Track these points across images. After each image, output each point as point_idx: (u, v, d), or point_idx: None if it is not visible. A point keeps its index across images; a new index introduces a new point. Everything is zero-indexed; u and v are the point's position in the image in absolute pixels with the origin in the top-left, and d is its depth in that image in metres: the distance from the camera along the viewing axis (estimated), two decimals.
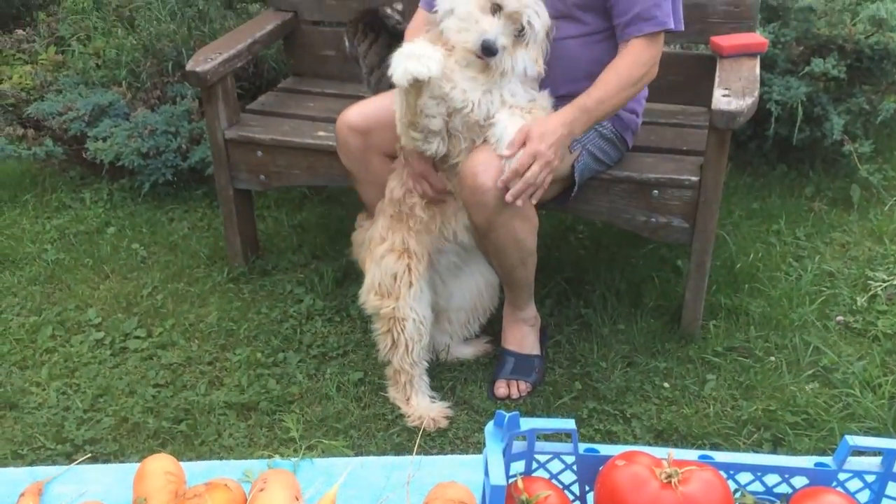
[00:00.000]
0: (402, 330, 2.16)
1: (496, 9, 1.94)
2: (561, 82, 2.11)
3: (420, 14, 2.23)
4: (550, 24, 2.01)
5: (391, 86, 2.51)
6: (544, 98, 2.06)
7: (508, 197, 1.94)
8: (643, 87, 2.20)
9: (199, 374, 2.37)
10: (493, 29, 1.92)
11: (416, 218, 2.15)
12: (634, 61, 2.08)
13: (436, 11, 2.03)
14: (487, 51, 1.91)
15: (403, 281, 2.15)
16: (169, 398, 2.27)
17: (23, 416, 2.23)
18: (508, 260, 2.15)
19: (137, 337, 2.51)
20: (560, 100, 2.15)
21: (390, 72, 1.88)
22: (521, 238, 2.10)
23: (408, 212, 2.16)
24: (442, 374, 2.34)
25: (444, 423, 2.15)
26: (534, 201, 2.01)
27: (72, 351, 2.46)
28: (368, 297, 2.22)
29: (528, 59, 2.00)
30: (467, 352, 2.40)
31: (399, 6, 2.57)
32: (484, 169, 1.96)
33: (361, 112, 2.21)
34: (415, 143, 2.03)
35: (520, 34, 1.97)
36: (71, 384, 2.33)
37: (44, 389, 2.32)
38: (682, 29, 2.16)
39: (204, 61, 2.52)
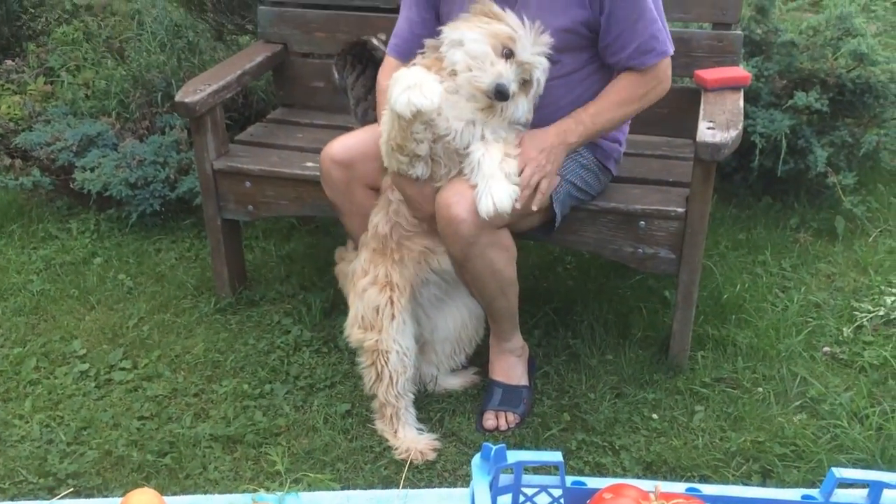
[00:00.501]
0: (385, 362, 2.16)
1: (509, 55, 1.97)
2: (543, 124, 2.13)
3: (390, 62, 2.25)
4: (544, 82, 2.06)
5: (376, 119, 2.53)
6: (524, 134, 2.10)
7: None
8: (650, 103, 2.20)
9: (184, 406, 2.35)
10: (508, 74, 1.95)
11: (404, 250, 2.16)
12: (635, 81, 2.12)
13: (440, 35, 2.05)
14: (500, 95, 1.94)
15: (386, 313, 2.15)
16: (154, 431, 2.25)
17: (5, 449, 2.19)
18: (487, 290, 2.16)
19: (123, 368, 2.49)
20: None
21: (392, 101, 1.90)
22: (499, 269, 2.11)
23: (394, 246, 2.16)
24: (429, 406, 2.32)
25: (431, 456, 2.14)
26: (534, 207, 2.04)
27: (56, 383, 2.43)
28: (352, 331, 2.22)
29: (525, 108, 2.04)
30: (455, 383, 2.39)
31: (383, 37, 2.59)
32: (457, 200, 1.98)
33: (344, 145, 2.23)
34: (400, 166, 2.04)
35: (524, 84, 2.01)
36: (54, 416, 2.30)
37: (27, 422, 2.29)
38: (672, 49, 2.17)
39: (193, 92, 2.53)
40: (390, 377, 2.16)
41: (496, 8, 2.02)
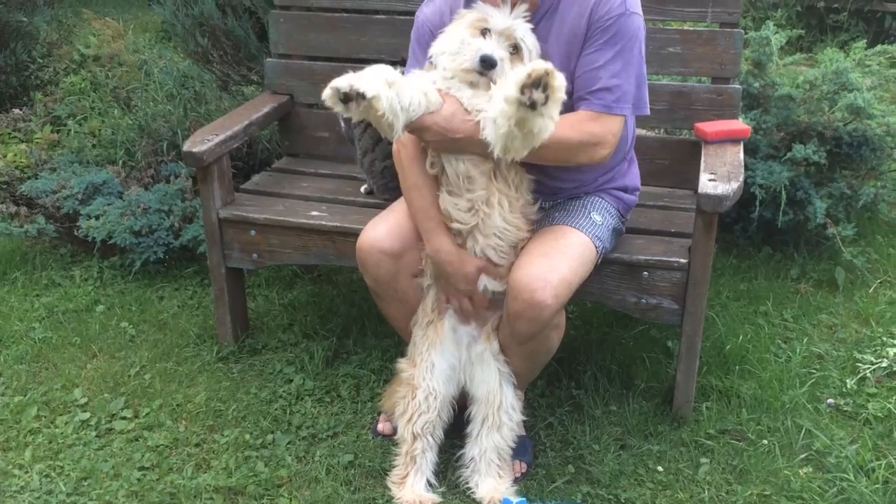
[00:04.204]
0: (413, 398, 2.16)
1: (485, 32, 1.98)
2: (552, 169, 2.16)
3: None
4: (539, 46, 2.04)
5: (384, 169, 2.56)
6: None
7: None
8: (578, 160, 2.08)
9: (185, 456, 2.33)
10: (488, 45, 1.95)
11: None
12: (572, 124, 2.02)
13: (431, 61, 2.06)
14: (486, 63, 1.93)
15: (421, 350, 2.16)
16: (154, 482, 2.22)
17: (4, 500, 2.16)
18: (534, 364, 2.20)
19: (124, 417, 2.47)
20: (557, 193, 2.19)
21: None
22: (554, 347, 2.14)
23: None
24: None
25: None
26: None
27: (56, 432, 2.41)
28: (403, 359, 2.25)
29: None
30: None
31: None
32: (542, 286, 1.95)
33: (391, 233, 2.12)
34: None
35: (514, 52, 2.00)
36: (54, 467, 2.28)
37: (26, 472, 2.26)
38: (648, 112, 2.16)
39: (201, 142, 2.56)
40: (412, 413, 2.16)
41: (463, 10, 2.06)
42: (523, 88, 1.76)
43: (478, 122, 1.94)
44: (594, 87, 2.05)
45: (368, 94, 1.81)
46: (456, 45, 1.99)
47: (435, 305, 2.18)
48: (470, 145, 1.98)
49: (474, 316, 2.15)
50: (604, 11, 2.04)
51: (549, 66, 1.76)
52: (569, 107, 2.10)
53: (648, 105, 2.15)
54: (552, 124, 1.81)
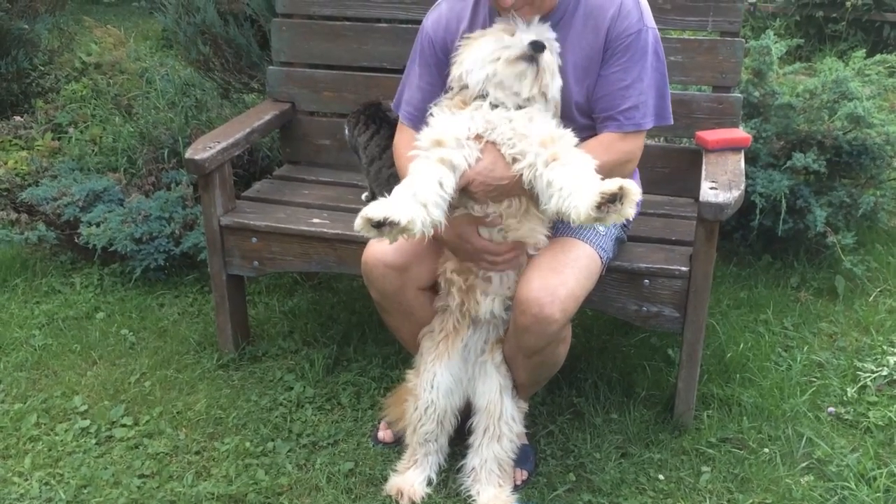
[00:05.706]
0: (415, 407, 2.18)
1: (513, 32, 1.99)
2: None
3: (405, 133, 2.21)
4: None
5: (390, 177, 2.57)
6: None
7: None
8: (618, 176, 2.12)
9: (185, 464, 2.32)
10: (528, 33, 1.95)
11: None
12: (607, 148, 2.07)
13: (464, 87, 2.03)
14: (537, 46, 1.92)
15: (424, 361, 2.18)
16: (154, 489, 2.22)
17: None
18: (539, 377, 2.19)
19: (124, 425, 2.47)
20: None
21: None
22: (561, 360, 2.14)
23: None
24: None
25: (408, 502, 2.15)
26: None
27: (56, 439, 2.41)
28: (409, 371, 2.26)
29: (559, 81, 2.03)
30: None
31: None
32: (550, 300, 1.94)
33: (397, 247, 2.04)
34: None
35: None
36: (54, 474, 2.27)
37: (26, 480, 2.26)
38: (671, 122, 2.19)
39: (203, 149, 2.56)
40: (415, 424, 2.19)
41: (477, 31, 2.07)
42: (600, 206, 1.78)
43: (519, 174, 1.92)
44: (623, 106, 2.08)
45: (403, 222, 1.78)
46: (493, 45, 1.96)
47: (450, 323, 2.16)
48: (517, 188, 1.97)
49: (510, 261, 2.05)
50: (622, 28, 2.05)
51: (621, 183, 1.77)
52: (589, 125, 2.13)
53: (671, 114, 2.18)
54: (623, 217, 1.82)
